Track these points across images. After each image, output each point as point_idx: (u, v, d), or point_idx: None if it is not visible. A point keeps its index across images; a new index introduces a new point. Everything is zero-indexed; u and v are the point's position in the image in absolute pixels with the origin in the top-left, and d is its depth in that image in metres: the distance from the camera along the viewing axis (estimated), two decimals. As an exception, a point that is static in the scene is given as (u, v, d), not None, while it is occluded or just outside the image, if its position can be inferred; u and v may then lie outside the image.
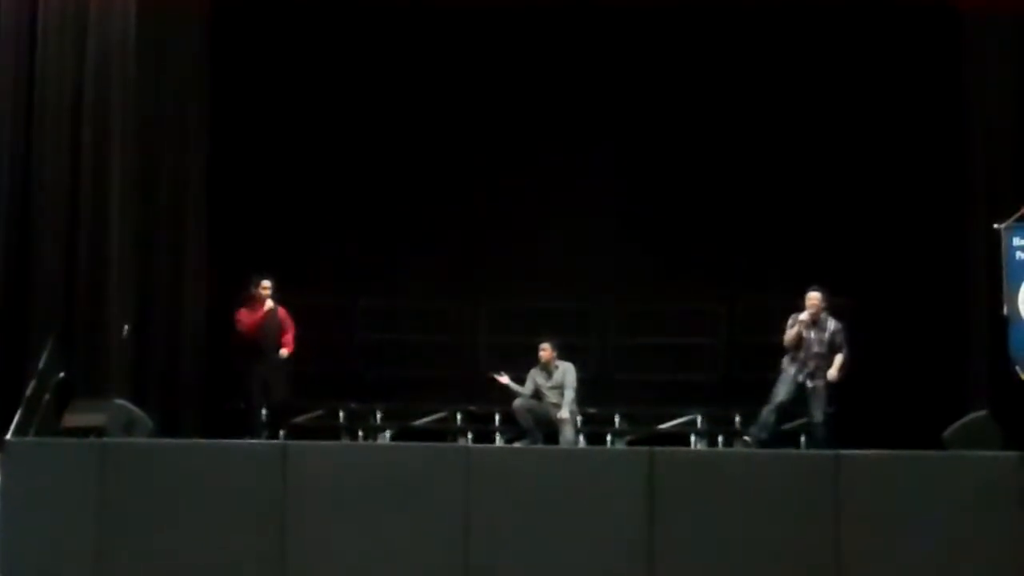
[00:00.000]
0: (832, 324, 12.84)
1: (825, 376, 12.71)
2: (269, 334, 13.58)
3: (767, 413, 12.78)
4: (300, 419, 14.32)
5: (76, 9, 13.62)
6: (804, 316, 12.75)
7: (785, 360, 12.88)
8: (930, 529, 9.91)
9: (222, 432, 13.04)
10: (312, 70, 15.60)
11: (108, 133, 13.53)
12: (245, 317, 13.60)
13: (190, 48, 14.44)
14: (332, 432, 14.76)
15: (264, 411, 13.55)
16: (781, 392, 12.77)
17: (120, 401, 12.17)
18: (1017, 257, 12.69)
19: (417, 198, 15.84)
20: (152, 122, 13.97)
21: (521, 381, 14.16)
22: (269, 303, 13.58)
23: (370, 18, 15.18)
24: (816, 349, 12.76)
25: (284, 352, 13.61)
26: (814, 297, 12.84)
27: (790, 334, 12.75)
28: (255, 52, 15.32)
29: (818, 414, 12.74)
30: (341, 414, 15.14)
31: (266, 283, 13.62)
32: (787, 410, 12.85)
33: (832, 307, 12.91)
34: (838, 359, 12.75)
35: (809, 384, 12.72)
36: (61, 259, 13.36)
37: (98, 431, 11.41)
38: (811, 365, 12.75)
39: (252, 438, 12.77)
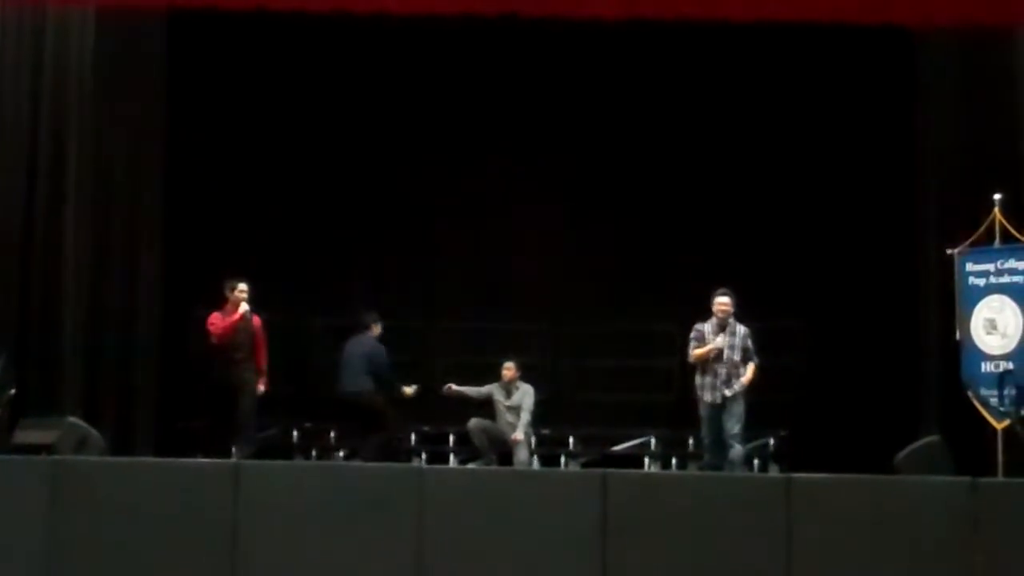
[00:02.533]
0: (741, 328, 12.32)
1: (739, 386, 12.16)
2: (243, 341, 13.03)
3: (708, 458, 12.39)
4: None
5: (33, 20, 13.57)
6: (710, 324, 12.28)
7: (696, 379, 12.33)
8: (881, 554, 9.93)
9: (176, 451, 12.97)
10: (267, 85, 15.66)
11: (64, 148, 13.49)
12: (218, 321, 12.99)
13: (146, 64, 14.42)
14: (285, 451, 14.72)
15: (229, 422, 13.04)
16: (707, 432, 12.32)
17: (72, 419, 12.09)
18: (970, 282, 12.77)
19: (372, 217, 15.88)
20: (108, 140, 13.96)
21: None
22: (244, 307, 12.93)
23: (326, 36, 15.14)
24: (728, 355, 12.21)
25: (261, 388, 13.16)
26: (724, 302, 12.35)
27: (704, 350, 12.18)
28: (210, 68, 15.33)
29: (734, 426, 12.15)
30: (295, 433, 15.11)
31: (242, 286, 12.99)
32: (725, 442, 12.28)
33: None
34: (750, 368, 12.26)
35: (727, 392, 12.15)
36: (14, 274, 13.28)
37: (49, 448, 11.32)
38: (723, 374, 12.18)
39: (211, 454, 12.57)
